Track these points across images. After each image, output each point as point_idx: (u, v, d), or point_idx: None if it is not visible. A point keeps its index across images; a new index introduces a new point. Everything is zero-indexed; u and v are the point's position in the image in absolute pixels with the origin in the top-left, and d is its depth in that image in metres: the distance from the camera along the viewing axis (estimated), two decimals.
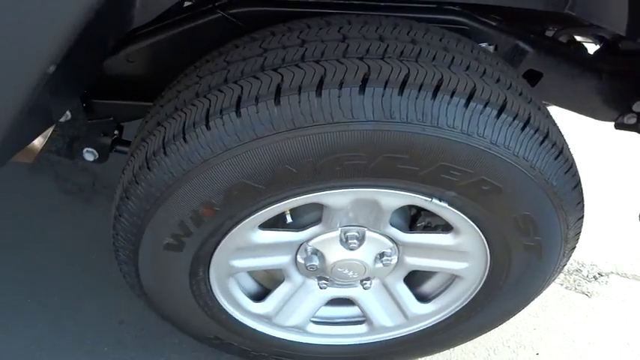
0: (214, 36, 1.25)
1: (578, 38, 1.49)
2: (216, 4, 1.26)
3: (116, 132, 1.47)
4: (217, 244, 1.17)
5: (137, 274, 1.24)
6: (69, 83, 1.18)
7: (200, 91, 1.06)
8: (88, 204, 1.94)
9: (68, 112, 1.38)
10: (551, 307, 1.79)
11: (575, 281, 1.88)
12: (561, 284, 1.87)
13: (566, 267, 1.90)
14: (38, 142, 1.28)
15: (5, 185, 1.92)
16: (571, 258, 1.69)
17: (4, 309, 1.59)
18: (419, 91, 0.96)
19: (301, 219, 1.22)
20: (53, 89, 1.05)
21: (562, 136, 1.12)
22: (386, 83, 0.95)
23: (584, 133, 2.19)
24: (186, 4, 1.31)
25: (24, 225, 1.81)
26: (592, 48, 1.48)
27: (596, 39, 1.46)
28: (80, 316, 1.60)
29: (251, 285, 1.39)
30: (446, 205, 1.09)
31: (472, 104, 0.97)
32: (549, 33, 1.41)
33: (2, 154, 1.02)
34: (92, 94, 1.38)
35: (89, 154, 1.47)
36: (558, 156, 1.06)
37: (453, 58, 1.02)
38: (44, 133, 1.31)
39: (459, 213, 1.11)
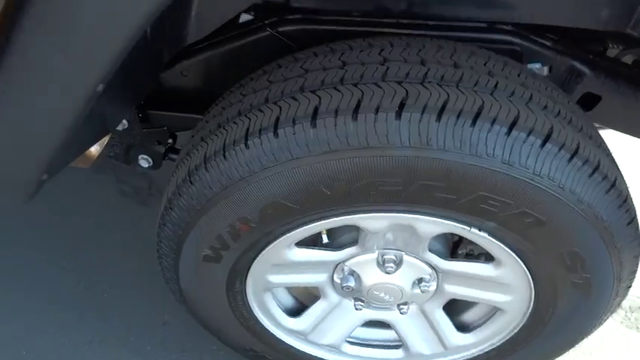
0: (264, 53, 1.28)
1: None
2: (266, 22, 1.29)
3: (170, 140, 1.54)
4: (254, 258, 1.19)
5: (178, 282, 1.28)
6: (125, 95, 1.25)
7: (242, 110, 1.08)
8: (144, 206, 2.04)
9: (125, 121, 1.46)
10: (608, 346, 1.66)
11: (637, 319, 1.74)
12: (621, 322, 1.73)
13: (627, 304, 1.77)
14: (95, 149, 1.36)
15: (68, 185, 2.05)
16: (633, 294, 1.56)
17: (59, 301, 1.69)
18: (458, 117, 0.93)
19: (338, 239, 1.21)
20: (109, 101, 1.12)
21: (616, 167, 1.04)
22: (424, 109, 0.93)
23: None
24: (241, 20, 1.35)
25: (83, 224, 1.93)
26: None
27: None
28: (127, 314, 1.68)
29: (288, 300, 1.40)
30: (486, 235, 1.04)
31: (514, 132, 0.93)
32: (613, 52, 1.32)
33: (60, 161, 1.10)
34: (148, 104, 1.45)
35: (144, 161, 1.55)
36: (610, 189, 0.99)
37: (497, 83, 0.98)
38: (101, 141, 1.39)
39: (501, 244, 1.06)
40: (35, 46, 0.82)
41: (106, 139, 1.40)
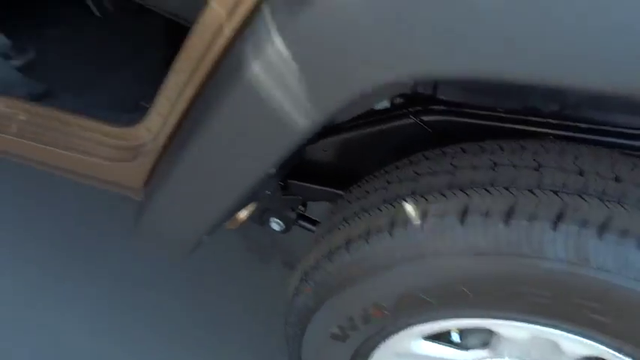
0: (404, 139, 1.32)
1: None
2: (411, 110, 1.35)
3: (301, 208, 1.63)
4: (379, 343, 1.19)
5: (299, 353, 1.32)
6: (280, 171, 1.36)
7: (387, 197, 1.12)
8: (265, 264, 2.14)
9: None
10: None
11: None
12: None
13: None
14: (243, 213, 1.49)
15: None
16: None
17: (175, 348, 1.81)
18: (622, 237, 0.88)
19: (468, 338, 1.18)
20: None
21: None
22: (583, 223, 0.90)
23: None
24: (379, 107, 1.42)
25: (205, 273, 2.05)
26: None
27: None
28: None
29: None
30: None
31: None
32: None
33: (219, 224, 1.23)
34: (289, 174, 1.56)
35: (276, 225, 1.64)
36: None
37: None
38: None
39: None
40: (226, 129, 0.95)
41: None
